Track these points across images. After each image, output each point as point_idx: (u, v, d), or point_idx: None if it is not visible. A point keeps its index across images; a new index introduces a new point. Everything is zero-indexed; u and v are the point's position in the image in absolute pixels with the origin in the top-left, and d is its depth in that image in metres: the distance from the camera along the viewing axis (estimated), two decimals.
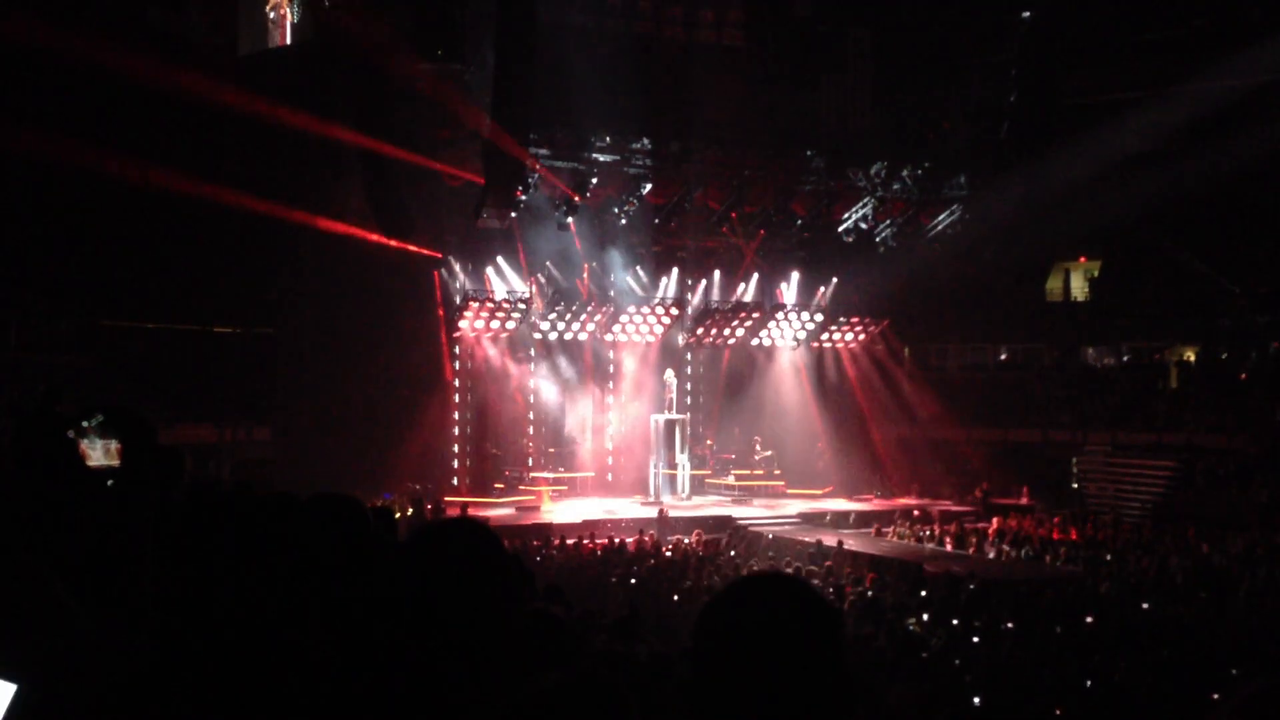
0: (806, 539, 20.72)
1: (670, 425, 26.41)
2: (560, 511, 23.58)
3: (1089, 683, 10.36)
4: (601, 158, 23.91)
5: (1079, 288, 32.10)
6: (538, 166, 23.16)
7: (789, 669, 1.63)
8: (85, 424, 2.09)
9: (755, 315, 28.08)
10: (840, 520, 23.84)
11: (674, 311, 27.06)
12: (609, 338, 27.25)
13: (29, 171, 21.23)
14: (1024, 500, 25.31)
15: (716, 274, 28.80)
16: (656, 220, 26.35)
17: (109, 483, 2.07)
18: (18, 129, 20.51)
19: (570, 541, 19.19)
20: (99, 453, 2.08)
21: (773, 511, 24.54)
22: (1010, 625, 12.93)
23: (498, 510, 23.28)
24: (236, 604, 2.34)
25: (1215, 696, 8.56)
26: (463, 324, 24.70)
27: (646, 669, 4.35)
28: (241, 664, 2.20)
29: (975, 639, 12.17)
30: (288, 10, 25.24)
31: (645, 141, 24.07)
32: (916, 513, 24.94)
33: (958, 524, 23.46)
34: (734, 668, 1.64)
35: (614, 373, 28.21)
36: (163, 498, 2.13)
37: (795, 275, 28.98)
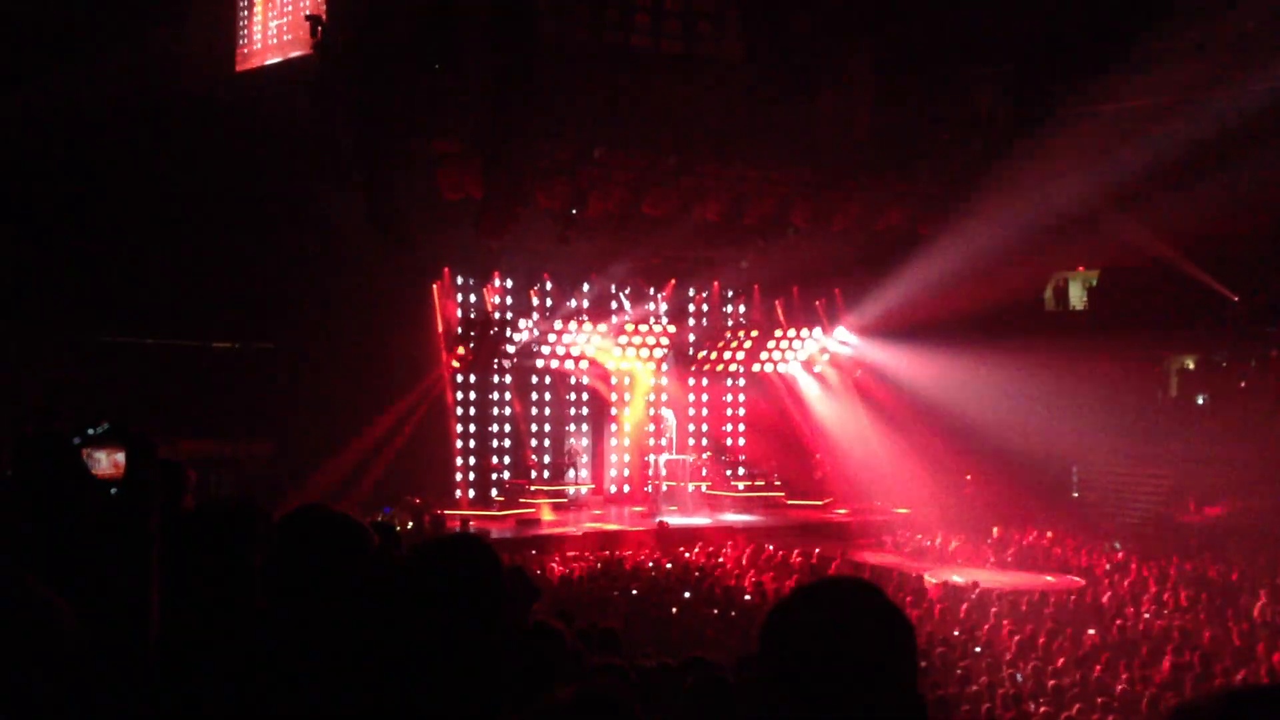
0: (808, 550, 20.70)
1: (671, 465, 26.68)
2: (560, 524, 23.56)
3: (1091, 693, 10.35)
4: (599, 171, 23.92)
5: (1077, 297, 32.12)
6: (536, 180, 23.16)
7: (858, 676, 1.56)
8: (91, 431, 2.09)
9: (755, 335, 28.14)
10: None
11: (671, 329, 27.20)
12: (610, 364, 27.29)
13: (24, 186, 21.27)
14: (1024, 510, 25.28)
15: (715, 285, 28.97)
16: (655, 233, 26.36)
17: (113, 491, 2.07)
18: (12, 144, 20.57)
19: (570, 554, 19.17)
20: (103, 462, 2.08)
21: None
22: (1012, 635, 12.92)
23: (498, 523, 23.28)
24: (236, 616, 2.34)
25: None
26: (462, 345, 24.69)
27: (650, 680, 4.34)
28: (242, 677, 2.20)
29: (977, 649, 12.17)
30: (286, 25, 25.32)
31: (643, 154, 24.07)
32: (916, 522, 24.97)
33: (957, 533, 23.45)
34: (802, 672, 1.57)
35: (613, 385, 28.27)
36: (166, 510, 2.13)
37: (794, 288, 29.10)
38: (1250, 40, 22.70)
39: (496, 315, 25.71)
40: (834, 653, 1.57)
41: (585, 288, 27.69)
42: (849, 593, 1.64)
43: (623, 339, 26.67)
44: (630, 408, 28.02)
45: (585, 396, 28.09)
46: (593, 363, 26.91)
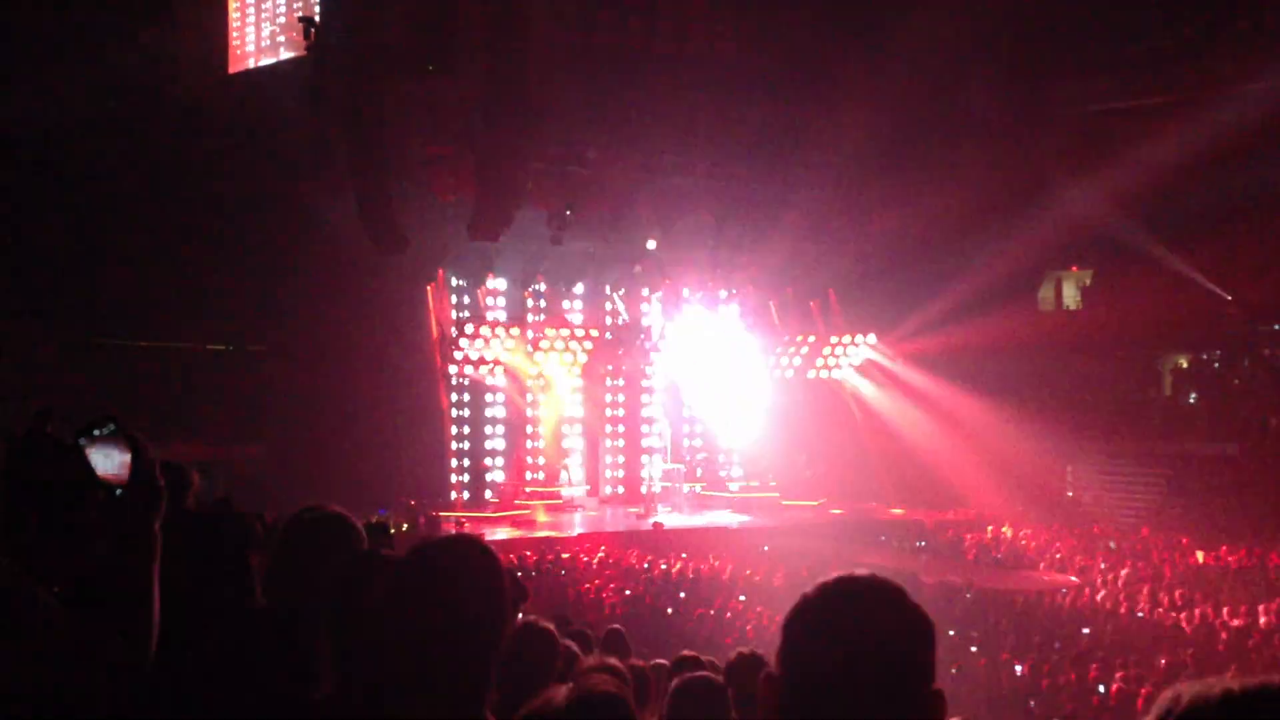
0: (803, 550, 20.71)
1: (667, 474, 26.70)
2: (555, 526, 23.53)
3: (1085, 692, 10.36)
4: (593, 172, 23.93)
5: (1071, 296, 32.18)
6: (530, 182, 23.15)
7: (881, 673, 1.56)
8: (97, 432, 2.06)
9: (752, 341, 28.18)
10: None
11: (666, 335, 27.29)
12: (605, 372, 27.28)
13: (17, 187, 21.23)
14: (1018, 509, 25.32)
15: (709, 286, 28.98)
16: (649, 234, 26.36)
17: (118, 492, 2.05)
18: (7, 146, 20.53)
19: (565, 556, 19.16)
20: (107, 462, 2.05)
21: None
22: (1006, 634, 12.93)
23: (493, 525, 23.23)
24: (235, 616, 2.34)
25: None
26: (457, 352, 24.64)
27: (645, 680, 4.34)
28: (242, 677, 2.20)
29: (973, 649, 12.18)
30: (278, 28, 25.28)
31: (636, 155, 24.07)
32: (911, 522, 25.00)
33: (953, 533, 23.50)
34: (826, 668, 1.58)
35: (609, 387, 28.23)
36: (168, 511, 2.12)
37: (789, 290, 29.10)
38: (1249, 40, 22.75)
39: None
40: (858, 650, 1.57)
41: (579, 289, 27.68)
42: (871, 590, 1.64)
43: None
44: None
45: (580, 399, 28.03)
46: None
